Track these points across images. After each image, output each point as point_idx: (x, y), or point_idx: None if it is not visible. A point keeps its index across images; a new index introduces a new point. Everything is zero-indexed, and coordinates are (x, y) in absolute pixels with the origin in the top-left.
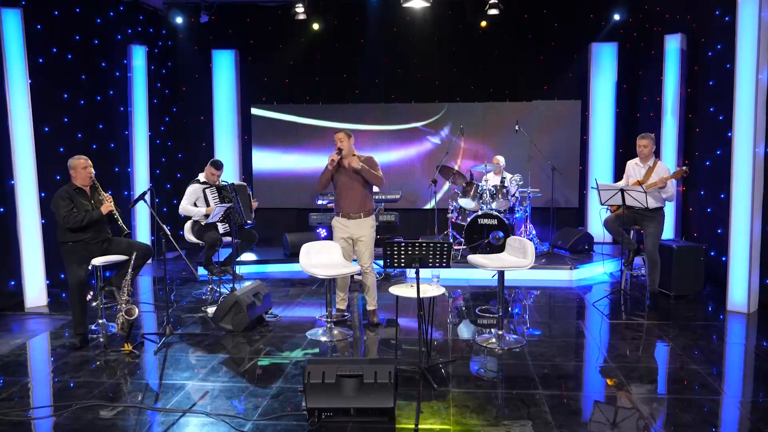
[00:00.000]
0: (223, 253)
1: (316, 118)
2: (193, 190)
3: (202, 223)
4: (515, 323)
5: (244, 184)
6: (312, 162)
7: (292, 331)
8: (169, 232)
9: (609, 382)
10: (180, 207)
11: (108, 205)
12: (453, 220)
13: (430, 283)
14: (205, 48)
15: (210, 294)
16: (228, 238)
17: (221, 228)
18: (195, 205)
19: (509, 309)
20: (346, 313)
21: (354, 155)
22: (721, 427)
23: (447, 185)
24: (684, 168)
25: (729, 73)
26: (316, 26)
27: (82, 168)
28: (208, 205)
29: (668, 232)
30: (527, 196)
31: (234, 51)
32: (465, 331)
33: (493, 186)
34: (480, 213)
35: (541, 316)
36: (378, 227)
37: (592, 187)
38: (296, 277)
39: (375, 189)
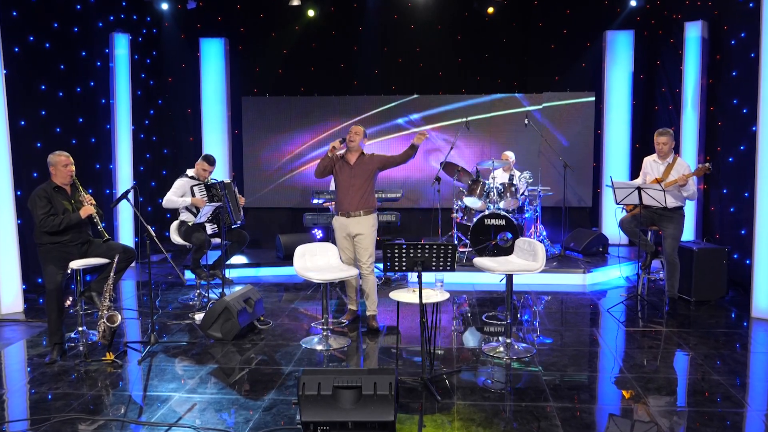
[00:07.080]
0: (212, 256)
1: (312, 111)
2: (180, 185)
3: (190, 223)
4: (524, 331)
5: (229, 181)
6: (307, 158)
7: (285, 339)
8: (154, 234)
9: (625, 393)
10: (165, 199)
11: (88, 208)
12: (458, 220)
13: (433, 287)
14: (192, 36)
15: (198, 300)
16: (217, 240)
17: (210, 229)
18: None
19: (518, 315)
20: (343, 321)
21: (363, 154)
22: None
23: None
24: (707, 165)
25: (753, 62)
26: (311, 13)
27: (62, 165)
28: None
29: (688, 234)
30: (537, 194)
31: (223, 39)
32: (471, 339)
33: (500, 184)
34: (487, 213)
35: (552, 323)
36: (378, 228)
37: (606, 185)
38: (290, 282)
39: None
